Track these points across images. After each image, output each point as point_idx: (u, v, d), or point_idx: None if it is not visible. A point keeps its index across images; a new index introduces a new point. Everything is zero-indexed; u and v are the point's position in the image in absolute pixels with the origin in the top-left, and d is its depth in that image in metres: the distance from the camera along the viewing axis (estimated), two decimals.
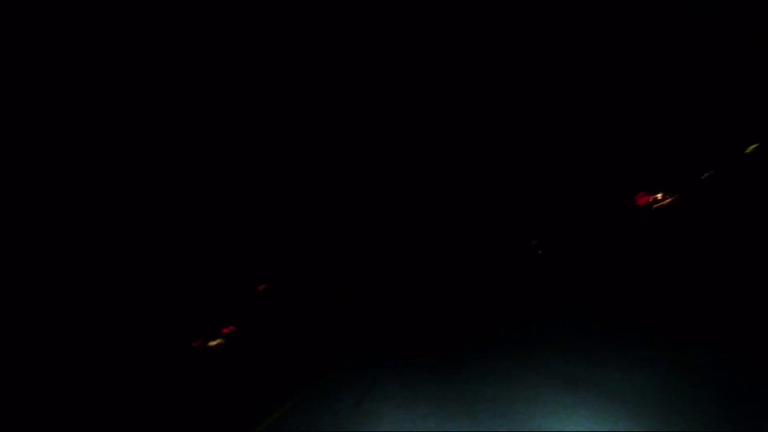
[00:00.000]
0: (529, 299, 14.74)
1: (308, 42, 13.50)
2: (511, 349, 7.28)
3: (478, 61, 16.84)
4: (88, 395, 5.48)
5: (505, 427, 3.66)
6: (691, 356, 6.08)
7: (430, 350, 7.65)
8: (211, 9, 11.08)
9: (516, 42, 16.55)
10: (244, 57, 12.45)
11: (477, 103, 18.09)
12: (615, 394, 4.34)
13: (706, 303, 10.45)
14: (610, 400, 4.19)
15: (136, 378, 6.10)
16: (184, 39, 10.84)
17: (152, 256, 9.50)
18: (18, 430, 4.48)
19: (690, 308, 10.05)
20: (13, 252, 7.28)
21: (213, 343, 8.14)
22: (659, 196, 18.20)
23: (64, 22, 8.58)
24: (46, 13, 8.28)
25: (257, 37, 12.57)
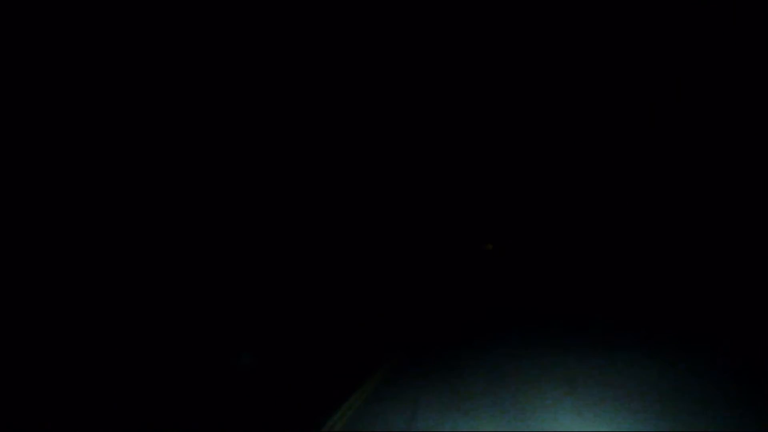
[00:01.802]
0: (529, 300, 14.77)
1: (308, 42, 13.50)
2: (511, 350, 7.30)
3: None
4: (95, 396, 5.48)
5: (506, 427, 3.66)
6: (692, 356, 6.11)
7: (428, 352, 7.66)
8: (211, 9, 11.09)
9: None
10: (243, 57, 12.45)
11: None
12: (616, 395, 4.35)
13: (706, 304, 10.47)
14: (611, 400, 4.20)
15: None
16: (185, 38, 10.85)
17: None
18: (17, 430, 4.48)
19: (690, 309, 10.07)
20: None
21: None
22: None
23: (64, 21, 8.58)
24: (46, 13, 8.28)
25: (257, 37, 12.57)
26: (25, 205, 7.84)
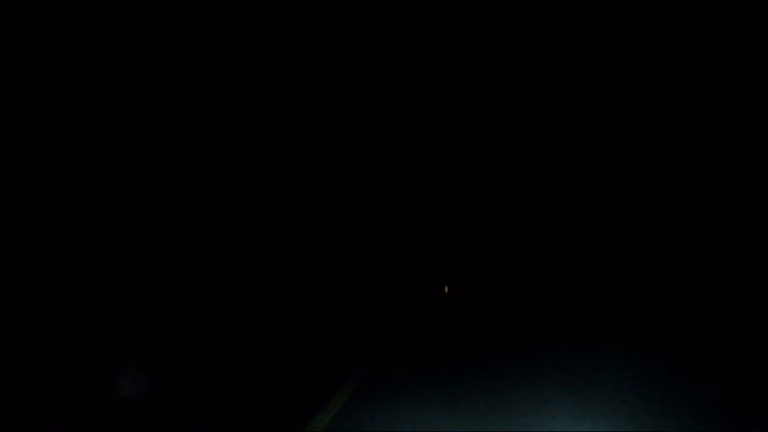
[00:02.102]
0: (529, 304, 14.77)
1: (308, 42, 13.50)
2: (511, 350, 7.30)
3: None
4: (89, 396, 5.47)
5: (505, 427, 3.65)
6: (691, 357, 6.12)
7: (427, 353, 7.66)
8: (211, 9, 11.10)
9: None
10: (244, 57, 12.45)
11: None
12: (615, 395, 4.35)
13: (704, 306, 10.47)
14: (611, 401, 4.20)
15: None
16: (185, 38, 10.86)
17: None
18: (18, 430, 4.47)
19: (689, 311, 10.07)
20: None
21: None
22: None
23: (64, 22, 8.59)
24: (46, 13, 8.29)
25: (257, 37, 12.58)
26: (22, 205, 7.85)
